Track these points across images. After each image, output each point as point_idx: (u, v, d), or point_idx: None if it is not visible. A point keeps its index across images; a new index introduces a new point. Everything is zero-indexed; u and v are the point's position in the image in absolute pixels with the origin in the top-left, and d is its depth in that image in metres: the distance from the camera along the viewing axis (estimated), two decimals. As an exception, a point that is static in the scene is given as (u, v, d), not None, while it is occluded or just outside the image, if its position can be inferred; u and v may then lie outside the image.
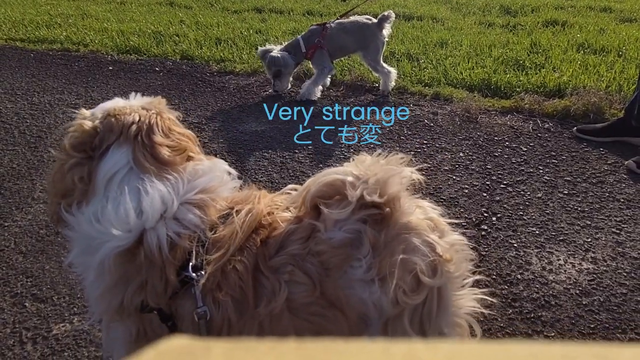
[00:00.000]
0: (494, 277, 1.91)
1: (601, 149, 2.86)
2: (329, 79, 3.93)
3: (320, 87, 3.80)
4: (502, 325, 1.69)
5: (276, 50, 3.68)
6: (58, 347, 1.69)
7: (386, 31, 3.79)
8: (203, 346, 0.30)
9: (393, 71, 3.81)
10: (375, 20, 3.76)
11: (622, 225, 2.18)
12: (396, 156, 1.18)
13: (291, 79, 3.86)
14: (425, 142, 3.07)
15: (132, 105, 1.23)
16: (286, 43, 3.78)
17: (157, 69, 4.46)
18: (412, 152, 2.90)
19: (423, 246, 1.12)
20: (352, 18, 3.84)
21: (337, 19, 3.88)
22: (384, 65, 3.79)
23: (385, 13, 3.76)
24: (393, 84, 3.84)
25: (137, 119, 1.19)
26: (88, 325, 1.76)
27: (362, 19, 3.81)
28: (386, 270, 1.08)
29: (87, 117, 1.20)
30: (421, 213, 1.21)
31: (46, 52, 4.98)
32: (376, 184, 1.11)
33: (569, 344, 0.29)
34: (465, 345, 0.30)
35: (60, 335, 1.73)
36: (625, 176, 2.57)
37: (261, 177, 2.72)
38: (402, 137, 3.13)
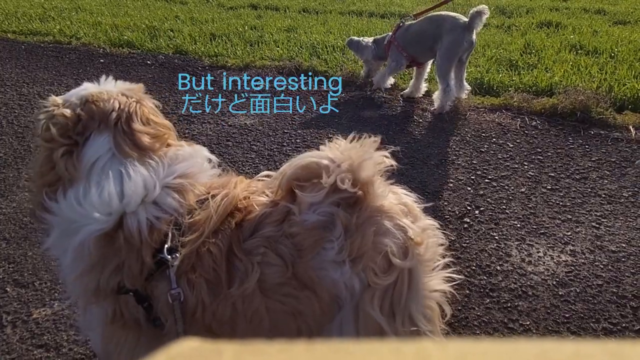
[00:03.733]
0: (473, 267, 1.93)
1: (586, 146, 2.89)
2: (423, 87, 3.71)
3: (392, 80, 3.76)
4: (478, 314, 1.71)
5: (366, 39, 3.77)
6: (38, 330, 1.69)
7: (475, 32, 3.25)
8: (214, 349, 0.30)
9: (466, 87, 3.42)
10: (463, 18, 3.27)
11: (602, 220, 2.20)
12: (370, 139, 1.19)
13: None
14: (413, 137, 3.09)
15: (110, 91, 1.24)
16: (381, 35, 3.80)
17: (148, 62, 4.47)
18: (400, 147, 2.91)
19: (394, 229, 1.14)
20: (441, 13, 3.45)
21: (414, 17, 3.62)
22: (452, 77, 3.31)
23: (477, 8, 3.16)
24: (464, 94, 3.44)
25: (117, 106, 1.20)
26: (68, 310, 1.76)
27: (448, 13, 3.36)
28: (357, 251, 1.10)
29: (61, 104, 1.19)
30: (395, 198, 1.23)
31: (38, 45, 4.97)
32: (350, 167, 1.13)
33: (582, 341, 0.28)
34: (475, 344, 0.29)
35: (40, 319, 1.74)
36: (608, 172, 2.59)
37: (248, 169, 2.73)
38: (390, 132, 3.15)
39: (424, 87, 3.74)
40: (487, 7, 3.18)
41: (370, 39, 3.79)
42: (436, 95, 3.46)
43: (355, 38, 3.83)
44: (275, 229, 1.16)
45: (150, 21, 5.94)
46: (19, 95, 3.72)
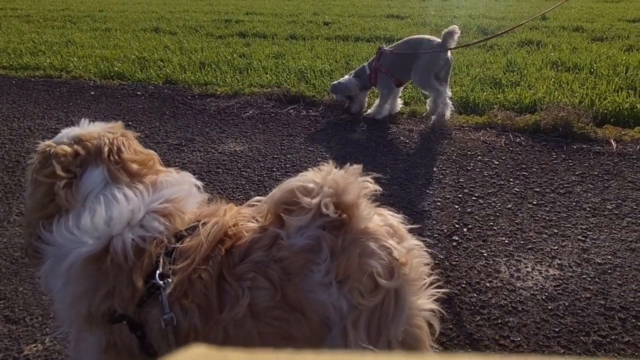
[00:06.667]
0: (463, 285, 1.95)
1: (569, 161, 2.95)
2: (399, 104, 3.92)
3: (388, 108, 3.83)
4: (470, 331, 1.72)
5: (345, 77, 3.87)
6: (29, 366, 1.68)
7: (449, 51, 3.54)
8: (220, 356, 0.30)
9: (448, 93, 3.60)
10: (437, 40, 3.56)
11: (588, 233, 2.24)
12: (354, 167, 1.23)
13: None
14: (400, 157, 3.14)
15: (99, 130, 1.34)
16: (356, 69, 3.93)
17: (139, 93, 4.52)
18: (388, 168, 2.96)
19: (379, 250, 1.16)
20: (417, 36, 3.76)
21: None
22: (436, 84, 3.53)
23: (449, 29, 3.48)
24: (449, 112, 3.61)
25: (108, 141, 1.31)
26: (59, 345, 1.75)
27: (423, 36, 3.68)
28: (343, 273, 1.12)
29: (54, 145, 1.29)
30: (380, 220, 1.26)
31: (28, 79, 5.02)
32: (335, 191, 1.16)
33: (588, 359, 0.29)
34: (480, 358, 0.29)
35: (31, 356, 1.72)
36: (591, 186, 2.65)
37: (239, 195, 2.75)
38: (378, 154, 3.20)
39: (399, 104, 3.94)
40: (457, 27, 3.50)
41: (349, 76, 3.88)
42: (430, 108, 3.65)
43: (335, 82, 3.90)
44: (264, 253, 1.19)
45: (140, 52, 6.03)
46: (9, 130, 3.74)
